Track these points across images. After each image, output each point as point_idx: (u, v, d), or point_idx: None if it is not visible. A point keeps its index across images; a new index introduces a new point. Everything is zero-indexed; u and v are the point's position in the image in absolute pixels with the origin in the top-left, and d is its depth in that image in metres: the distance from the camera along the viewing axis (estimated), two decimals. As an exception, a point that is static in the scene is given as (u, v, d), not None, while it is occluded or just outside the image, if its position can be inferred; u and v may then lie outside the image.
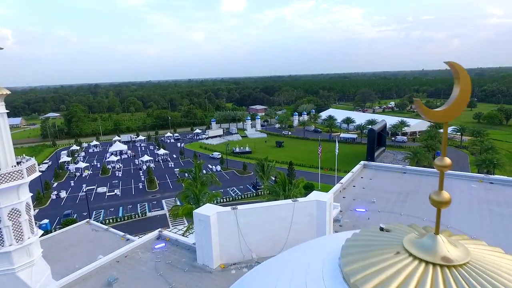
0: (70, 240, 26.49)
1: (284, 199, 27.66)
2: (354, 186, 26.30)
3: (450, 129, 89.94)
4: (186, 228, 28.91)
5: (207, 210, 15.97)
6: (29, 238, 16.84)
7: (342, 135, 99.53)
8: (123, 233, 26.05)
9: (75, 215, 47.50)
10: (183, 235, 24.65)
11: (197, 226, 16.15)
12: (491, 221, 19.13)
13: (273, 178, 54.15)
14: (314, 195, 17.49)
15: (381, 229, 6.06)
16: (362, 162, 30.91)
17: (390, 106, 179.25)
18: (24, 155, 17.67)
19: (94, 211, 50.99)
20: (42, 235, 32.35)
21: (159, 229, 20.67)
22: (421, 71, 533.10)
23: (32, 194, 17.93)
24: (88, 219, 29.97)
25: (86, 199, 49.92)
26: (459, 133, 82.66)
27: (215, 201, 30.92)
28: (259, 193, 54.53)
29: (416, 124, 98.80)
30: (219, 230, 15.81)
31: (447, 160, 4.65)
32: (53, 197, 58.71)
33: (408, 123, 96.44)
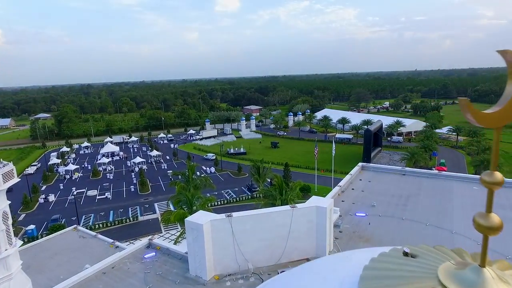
0: (55, 248, 25.18)
1: (281, 203, 26.77)
2: (352, 189, 25.55)
3: (445, 129, 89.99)
4: (178, 234, 27.73)
5: (200, 218, 15.02)
6: (6, 250, 15.52)
7: (338, 135, 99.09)
8: (112, 240, 24.89)
9: (63, 220, 45.85)
10: (175, 243, 23.55)
11: (189, 235, 15.18)
12: (497, 226, 18.41)
13: (269, 180, 53.14)
14: (314, 200, 16.63)
15: (405, 253, 5.06)
16: (360, 164, 30.19)
17: (384, 106, 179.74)
18: (1, 159, 16.36)
19: (84, 216, 49.33)
20: (28, 241, 30.98)
21: (149, 237, 19.69)
22: (414, 71, 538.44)
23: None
24: (75, 225, 28.63)
25: (74, 203, 48.20)
26: (454, 133, 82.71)
27: (209, 204, 29.87)
28: (255, 195, 53.50)
29: (412, 124, 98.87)
30: (213, 239, 14.91)
31: (498, 176, 3.61)
32: (41, 201, 56.69)
33: (403, 123, 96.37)
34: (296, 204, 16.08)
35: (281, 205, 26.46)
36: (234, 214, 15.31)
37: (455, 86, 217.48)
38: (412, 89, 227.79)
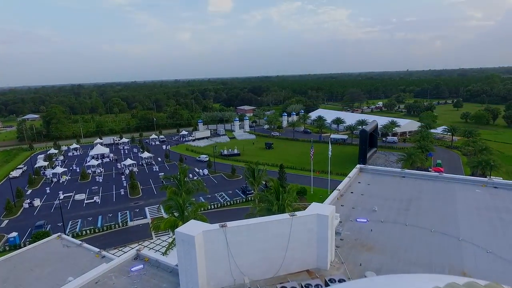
0: (37, 258, 23.55)
1: (278, 208, 25.58)
2: (352, 192, 24.51)
3: (439, 129, 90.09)
4: (170, 241, 26.24)
5: (191, 229, 13.70)
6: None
7: (333, 135, 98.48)
8: (99, 250, 23.38)
9: (49, 226, 43.79)
10: (164, 253, 22.11)
11: (179, 247, 13.86)
12: (504, 232, 17.56)
13: (264, 183, 51.87)
14: (314, 207, 15.49)
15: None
16: (358, 166, 29.23)
17: (378, 106, 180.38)
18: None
19: (70, 221, 47.24)
20: (10, 250, 29.17)
21: (137, 247, 18.30)
22: (406, 71, 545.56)
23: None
24: (59, 233, 26.95)
25: (60, 209, 45.96)
26: (449, 133, 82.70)
27: (202, 209, 28.48)
28: (249, 198, 52.22)
29: (406, 124, 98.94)
30: (205, 251, 13.64)
31: None
32: (26, 206, 54.22)
33: (398, 123, 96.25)
34: (296, 212, 14.92)
35: (278, 210, 25.32)
36: (229, 224, 14.10)
37: (447, 86, 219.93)
38: (404, 89, 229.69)
